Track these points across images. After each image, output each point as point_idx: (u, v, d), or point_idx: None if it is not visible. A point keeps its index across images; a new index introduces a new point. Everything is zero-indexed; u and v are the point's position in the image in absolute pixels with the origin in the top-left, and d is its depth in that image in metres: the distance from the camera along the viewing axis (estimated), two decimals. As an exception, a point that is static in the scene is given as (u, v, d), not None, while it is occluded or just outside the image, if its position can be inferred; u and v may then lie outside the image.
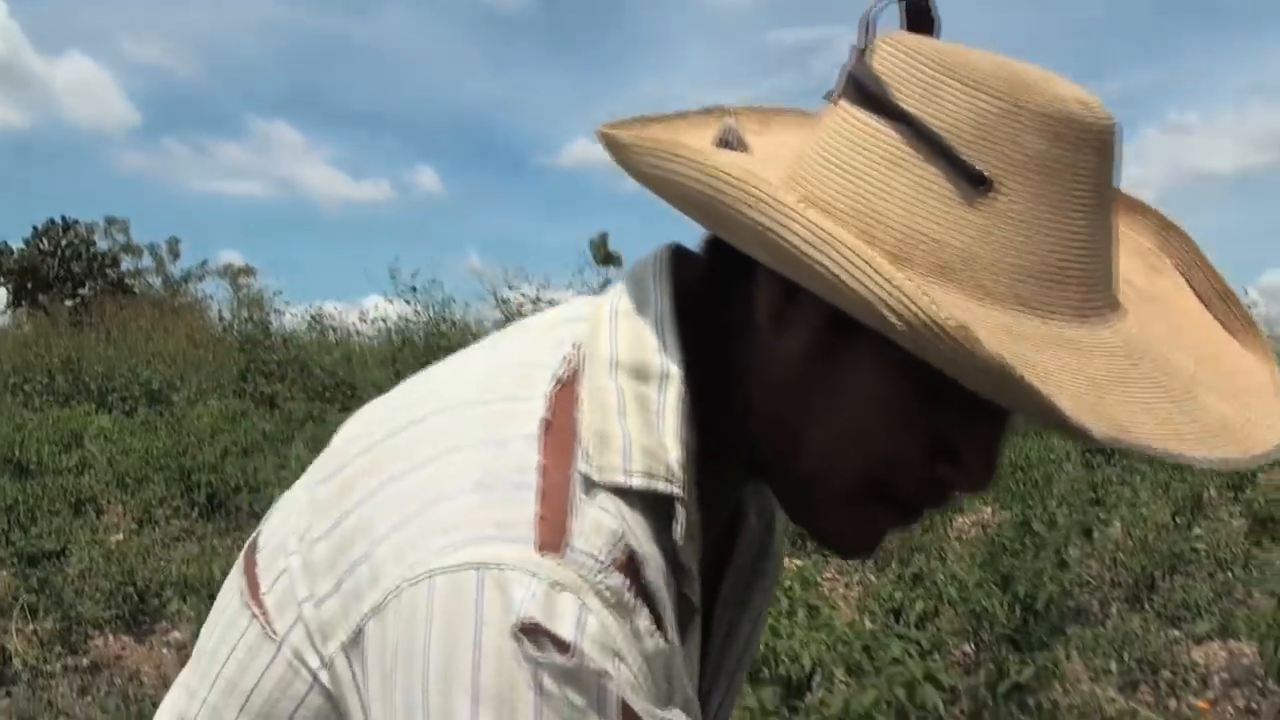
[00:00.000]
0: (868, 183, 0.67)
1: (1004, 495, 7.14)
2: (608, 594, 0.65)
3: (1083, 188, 0.66)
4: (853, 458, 0.71)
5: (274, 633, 0.72)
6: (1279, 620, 4.27)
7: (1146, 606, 5.62)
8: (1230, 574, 5.90)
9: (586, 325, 0.74)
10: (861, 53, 0.70)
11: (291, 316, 10.76)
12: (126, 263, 15.33)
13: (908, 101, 0.67)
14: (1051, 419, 0.61)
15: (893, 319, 0.60)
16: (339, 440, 0.78)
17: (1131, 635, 5.00)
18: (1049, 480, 7.92)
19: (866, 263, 0.61)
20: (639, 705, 0.65)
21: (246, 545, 0.81)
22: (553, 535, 0.65)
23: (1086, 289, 0.67)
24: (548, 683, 0.62)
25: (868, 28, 0.71)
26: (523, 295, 9.80)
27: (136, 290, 14.37)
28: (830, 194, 0.68)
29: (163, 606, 5.44)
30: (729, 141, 0.77)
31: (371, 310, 10.88)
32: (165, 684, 4.94)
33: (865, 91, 0.68)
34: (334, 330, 10.65)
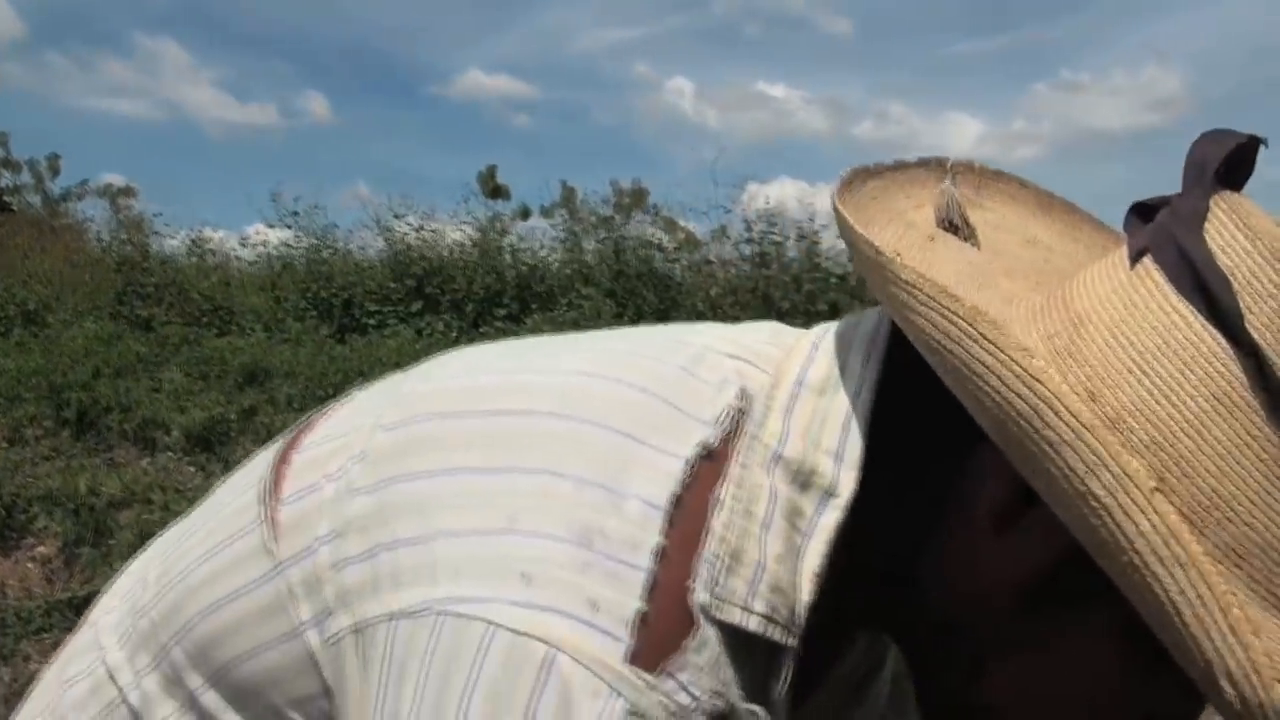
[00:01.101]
0: (1180, 411, 0.53)
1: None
2: None
3: None
4: (1042, 715, 0.62)
5: (274, 550, 0.62)
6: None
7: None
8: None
9: (765, 380, 0.62)
10: (1198, 220, 0.56)
11: (172, 241, 10.65)
12: (5, 179, 14.89)
13: (1258, 327, 0.53)
14: None
15: (1229, 691, 0.51)
16: (431, 376, 0.66)
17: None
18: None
19: (1234, 633, 0.50)
20: None
21: (291, 433, 0.70)
22: (653, 648, 0.54)
23: None
24: None
25: (1202, 179, 0.57)
26: (407, 225, 9.86)
27: (15, 208, 14.03)
28: (1128, 405, 0.54)
29: (29, 522, 5.58)
30: (952, 222, 0.67)
31: (254, 236, 10.81)
32: (29, 596, 5.12)
33: (1206, 293, 0.54)
34: (213, 254, 10.58)
